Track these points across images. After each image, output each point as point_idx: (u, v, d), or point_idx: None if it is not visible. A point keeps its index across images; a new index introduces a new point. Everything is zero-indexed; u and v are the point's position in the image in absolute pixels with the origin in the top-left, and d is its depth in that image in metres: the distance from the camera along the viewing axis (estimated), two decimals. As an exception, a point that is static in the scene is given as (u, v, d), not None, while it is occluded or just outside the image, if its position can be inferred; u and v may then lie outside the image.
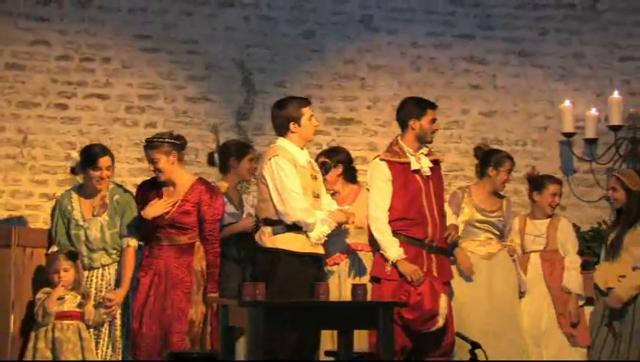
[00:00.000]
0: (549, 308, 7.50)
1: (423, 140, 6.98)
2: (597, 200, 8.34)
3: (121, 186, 6.90)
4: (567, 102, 8.47)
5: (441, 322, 6.67)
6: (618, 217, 7.45)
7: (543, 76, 8.72)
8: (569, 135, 8.50)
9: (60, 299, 6.52)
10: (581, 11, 8.77)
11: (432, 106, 7.04)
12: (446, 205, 7.23)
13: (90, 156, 6.71)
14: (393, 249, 6.73)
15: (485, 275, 7.32)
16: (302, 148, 6.59)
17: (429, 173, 6.91)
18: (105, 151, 6.75)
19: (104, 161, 6.68)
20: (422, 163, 6.93)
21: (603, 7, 8.77)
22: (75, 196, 6.78)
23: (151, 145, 6.59)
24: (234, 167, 7.10)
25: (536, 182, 7.67)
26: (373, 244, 6.88)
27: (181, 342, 6.48)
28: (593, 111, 8.46)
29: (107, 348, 6.70)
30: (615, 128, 8.43)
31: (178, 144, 6.64)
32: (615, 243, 7.28)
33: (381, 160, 6.96)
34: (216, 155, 7.14)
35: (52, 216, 6.85)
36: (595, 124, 8.45)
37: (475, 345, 5.74)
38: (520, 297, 7.43)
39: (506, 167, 7.43)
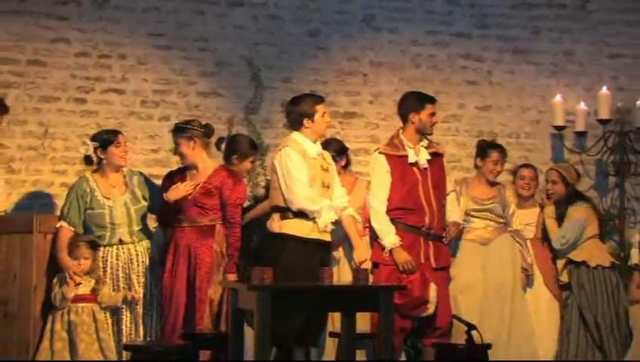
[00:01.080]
0: (545, 292, 7.51)
1: (422, 133, 6.98)
2: (587, 189, 8.31)
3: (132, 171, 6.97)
4: (558, 97, 8.47)
5: (431, 309, 6.69)
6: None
7: (536, 72, 8.72)
8: (560, 128, 8.50)
9: (77, 284, 6.54)
10: (572, 11, 8.77)
11: (431, 101, 7.04)
12: (454, 199, 7.23)
13: (110, 135, 6.81)
14: (389, 237, 6.76)
15: (480, 260, 7.33)
16: (314, 142, 6.60)
17: (426, 166, 6.91)
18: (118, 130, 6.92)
19: (122, 136, 6.82)
20: (420, 155, 6.93)
21: (593, 7, 8.77)
22: (92, 179, 6.81)
23: (175, 129, 6.69)
24: (235, 164, 7.10)
25: (514, 173, 7.72)
26: (372, 232, 6.90)
27: (201, 320, 6.50)
28: (583, 106, 8.46)
29: (131, 323, 6.72)
30: (603, 122, 8.42)
31: (201, 131, 6.68)
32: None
33: (380, 153, 6.97)
34: (223, 145, 7.12)
35: (67, 197, 6.85)
36: (584, 117, 8.45)
37: (470, 327, 5.74)
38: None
39: (492, 158, 7.43)
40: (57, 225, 6.71)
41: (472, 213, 7.41)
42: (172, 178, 6.76)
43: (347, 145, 7.62)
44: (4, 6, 7.93)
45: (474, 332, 5.73)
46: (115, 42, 8.14)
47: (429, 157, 6.94)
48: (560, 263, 7.49)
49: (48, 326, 6.52)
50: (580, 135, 8.55)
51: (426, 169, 6.93)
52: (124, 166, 6.84)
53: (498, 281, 7.31)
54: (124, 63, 8.15)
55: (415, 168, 6.91)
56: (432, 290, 6.66)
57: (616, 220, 8.38)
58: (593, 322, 7.33)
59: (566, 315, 7.44)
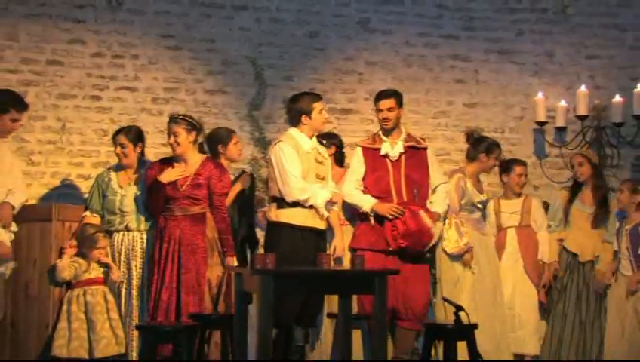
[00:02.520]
0: (523, 277, 7.53)
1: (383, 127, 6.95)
2: (565, 180, 8.34)
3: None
4: (540, 95, 8.47)
5: (436, 235, 6.70)
6: (575, 190, 7.52)
7: (519, 72, 8.72)
8: (542, 124, 8.51)
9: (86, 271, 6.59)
10: (552, 15, 8.76)
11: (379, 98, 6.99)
12: (452, 188, 7.22)
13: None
14: (365, 200, 6.77)
15: (484, 249, 7.34)
16: (310, 138, 6.59)
17: (398, 158, 6.90)
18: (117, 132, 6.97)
19: (118, 138, 6.87)
20: (394, 148, 6.92)
21: (572, 11, 8.76)
22: (112, 171, 6.91)
23: (175, 120, 6.63)
24: (222, 152, 7.08)
25: (504, 166, 7.70)
26: (350, 216, 6.92)
27: (202, 301, 6.50)
28: (563, 103, 8.47)
29: (127, 306, 6.73)
30: (582, 118, 8.43)
31: (197, 127, 6.67)
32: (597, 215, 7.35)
33: (358, 145, 7.01)
34: (205, 145, 7.10)
35: (90, 188, 6.96)
36: (564, 114, 8.46)
37: (458, 308, 5.75)
38: None
39: (496, 154, 7.44)
40: (82, 215, 6.74)
41: (478, 204, 7.39)
42: (161, 165, 6.71)
43: (344, 139, 7.64)
44: (24, 9, 7.93)
45: (462, 314, 5.74)
46: (128, 43, 8.14)
47: (402, 151, 6.93)
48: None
49: (64, 307, 6.53)
50: (560, 130, 8.56)
51: (397, 161, 6.92)
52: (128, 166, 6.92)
53: (495, 267, 7.36)
54: (136, 63, 8.15)
55: (387, 160, 6.92)
56: (424, 216, 6.65)
57: (594, 207, 8.39)
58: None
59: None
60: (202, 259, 6.54)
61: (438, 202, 7.02)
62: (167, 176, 6.55)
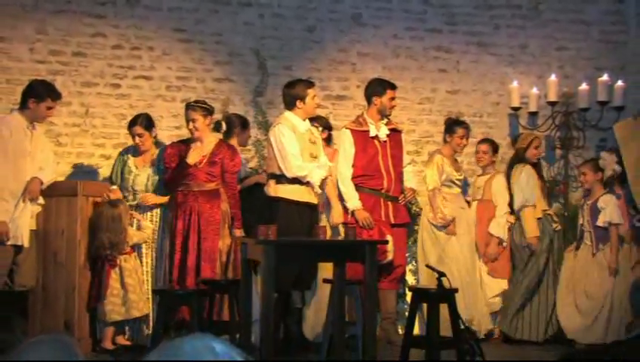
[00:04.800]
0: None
1: (382, 114, 7.01)
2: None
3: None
4: (514, 83, 8.50)
5: (390, 256, 6.76)
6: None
7: (496, 62, 8.74)
8: (516, 109, 8.54)
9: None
10: (526, 11, 8.77)
11: (392, 87, 7.06)
12: (434, 167, 7.27)
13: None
14: (353, 200, 6.82)
15: (464, 221, 7.38)
16: (304, 120, 6.63)
17: (385, 139, 6.96)
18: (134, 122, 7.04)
19: (135, 129, 6.96)
20: (380, 131, 6.98)
21: (543, 7, 8.77)
22: (130, 155, 7.05)
23: (193, 107, 6.69)
24: (237, 135, 7.15)
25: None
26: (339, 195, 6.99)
27: (213, 268, 6.55)
28: (535, 90, 8.50)
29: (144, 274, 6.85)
30: (552, 104, 8.46)
31: (211, 111, 6.73)
32: None
33: (347, 129, 7.03)
34: (223, 124, 7.14)
35: (113, 165, 7.12)
36: (536, 100, 8.49)
37: (441, 274, 5.80)
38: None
39: (458, 133, 7.45)
40: (113, 187, 6.89)
41: (456, 180, 7.43)
42: (178, 147, 6.76)
43: (338, 122, 7.68)
44: (52, 7, 7.95)
45: (443, 279, 5.79)
46: (145, 36, 8.16)
47: (388, 133, 6.99)
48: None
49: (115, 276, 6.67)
50: (533, 115, 8.60)
51: (385, 142, 6.97)
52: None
53: (466, 241, 7.40)
54: (152, 54, 8.17)
55: (376, 141, 6.96)
56: (389, 242, 6.72)
57: (562, 185, 8.44)
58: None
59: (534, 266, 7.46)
60: (216, 230, 6.60)
61: (410, 179, 7.16)
62: (193, 157, 6.59)
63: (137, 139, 6.91)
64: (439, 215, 7.23)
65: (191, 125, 6.64)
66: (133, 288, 6.62)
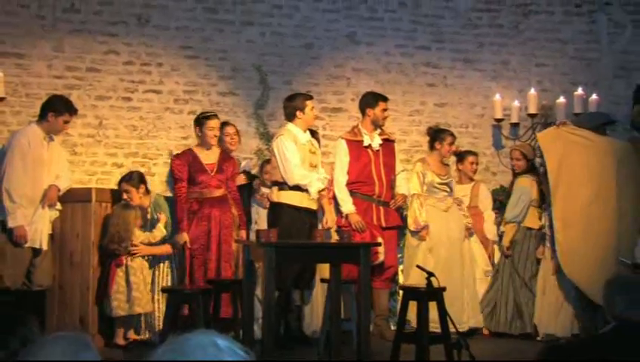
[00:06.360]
0: (477, 246, 7.51)
1: (376, 124, 7.03)
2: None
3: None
4: (497, 97, 8.52)
5: (381, 257, 6.76)
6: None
7: (480, 77, 8.74)
8: (499, 120, 8.56)
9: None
10: (508, 30, 8.78)
11: (384, 99, 7.08)
12: (415, 175, 7.27)
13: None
14: (347, 205, 6.84)
15: (444, 223, 7.36)
16: (304, 131, 6.64)
17: (378, 149, 6.97)
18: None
19: (122, 185, 6.98)
20: (373, 141, 6.99)
21: (523, 27, 8.78)
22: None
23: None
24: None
25: (458, 156, 7.74)
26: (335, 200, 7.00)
27: (230, 267, 6.58)
28: (516, 103, 8.51)
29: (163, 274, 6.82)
30: (532, 116, 8.48)
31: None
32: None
33: (342, 139, 7.05)
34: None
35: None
36: (517, 112, 8.50)
37: (430, 274, 5.80)
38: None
39: (447, 141, 7.46)
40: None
41: (437, 185, 7.42)
42: (186, 156, 6.74)
43: (335, 133, 7.69)
44: (69, 26, 7.94)
45: (433, 279, 5.78)
46: (154, 53, 8.15)
47: (380, 142, 7.00)
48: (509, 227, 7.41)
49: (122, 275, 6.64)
50: (514, 126, 8.60)
51: (378, 151, 6.99)
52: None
53: (456, 240, 7.37)
54: (161, 70, 8.16)
55: (369, 150, 6.97)
56: (380, 246, 6.72)
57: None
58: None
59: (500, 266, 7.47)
60: (231, 233, 6.63)
61: (401, 186, 7.16)
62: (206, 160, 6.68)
63: (125, 194, 6.87)
64: (412, 221, 7.25)
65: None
66: (137, 286, 6.61)
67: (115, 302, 6.56)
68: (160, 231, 6.78)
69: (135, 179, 6.90)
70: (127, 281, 6.61)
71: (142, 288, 6.64)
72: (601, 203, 6.97)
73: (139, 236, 6.71)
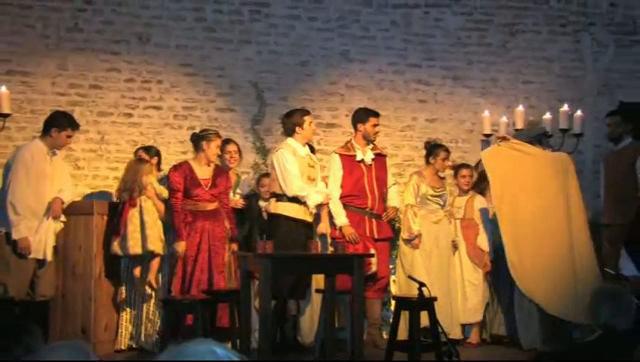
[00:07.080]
0: (465, 259, 7.49)
1: (367, 139, 7.04)
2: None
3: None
4: (486, 113, 8.52)
5: (373, 268, 6.75)
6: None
7: (470, 94, 8.77)
8: (488, 135, 8.55)
9: None
10: (496, 49, 8.82)
11: (375, 115, 7.09)
12: (409, 187, 7.27)
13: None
14: (341, 217, 6.84)
15: (434, 235, 7.34)
16: (303, 146, 6.65)
17: (371, 163, 6.98)
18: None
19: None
20: (366, 155, 6.99)
21: (511, 46, 8.82)
22: None
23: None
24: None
25: (454, 170, 7.74)
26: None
27: (223, 278, 6.54)
28: (504, 119, 8.51)
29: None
30: (519, 131, 8.48)
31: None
32: None
33: (335, 153, 7.06)
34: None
35: None
36: (505, 128, 8.48)
37: (421, 284, 5.79)
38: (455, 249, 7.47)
39: (441, 156, 7.46)
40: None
41: (430, 197, 7.41)
42: (183, 169, 6.72)
43: (329, 148, 7.69)
44: (72, 45, 7.98)
45: (424, 289, 5.78)
46: (155, 71, 8.17)
47: (373, 157, 7.01)
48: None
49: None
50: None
51: (370, 165, 6.99)
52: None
53: (444, 251, 7.35)
54: (161, 87, 8.18)
55: (362, 164, 6.98)
56: (373, 258, 6.70)
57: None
58: None
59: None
60: (222, 245, 6.60)
61: (393, 199, 7.16)
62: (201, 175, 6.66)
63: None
64: (405, 229, 7.25)
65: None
66: (150, 225, 6.61)
67: (131, 241, 6.56)
68: (166, 191, 6.78)
69: (152, 151, 7.07)
70: (142, 221, 6.61)
71: (154, 227, 6.63)
72: (550, 214, 6.92)
73: (153, 182, 6.75)
